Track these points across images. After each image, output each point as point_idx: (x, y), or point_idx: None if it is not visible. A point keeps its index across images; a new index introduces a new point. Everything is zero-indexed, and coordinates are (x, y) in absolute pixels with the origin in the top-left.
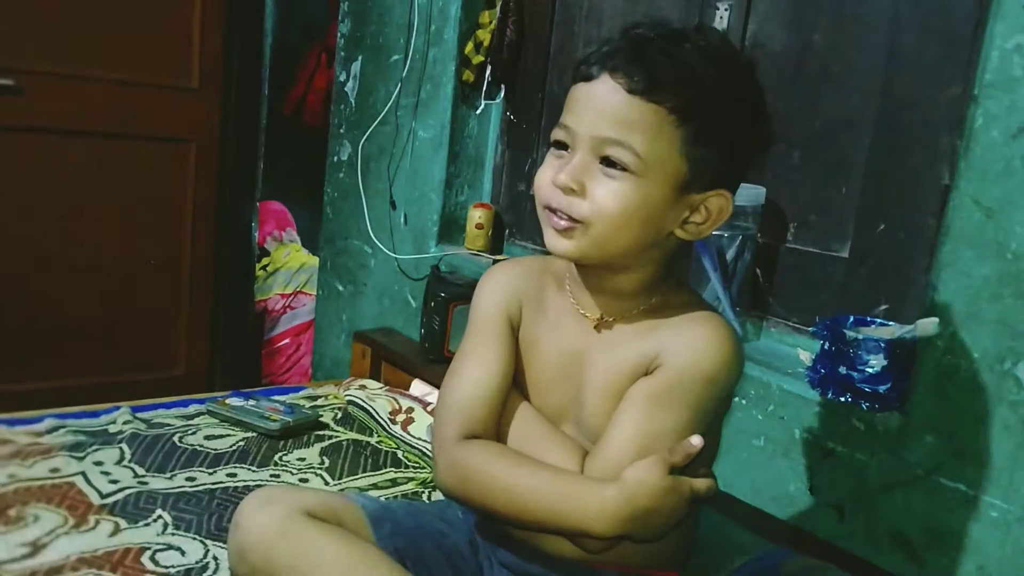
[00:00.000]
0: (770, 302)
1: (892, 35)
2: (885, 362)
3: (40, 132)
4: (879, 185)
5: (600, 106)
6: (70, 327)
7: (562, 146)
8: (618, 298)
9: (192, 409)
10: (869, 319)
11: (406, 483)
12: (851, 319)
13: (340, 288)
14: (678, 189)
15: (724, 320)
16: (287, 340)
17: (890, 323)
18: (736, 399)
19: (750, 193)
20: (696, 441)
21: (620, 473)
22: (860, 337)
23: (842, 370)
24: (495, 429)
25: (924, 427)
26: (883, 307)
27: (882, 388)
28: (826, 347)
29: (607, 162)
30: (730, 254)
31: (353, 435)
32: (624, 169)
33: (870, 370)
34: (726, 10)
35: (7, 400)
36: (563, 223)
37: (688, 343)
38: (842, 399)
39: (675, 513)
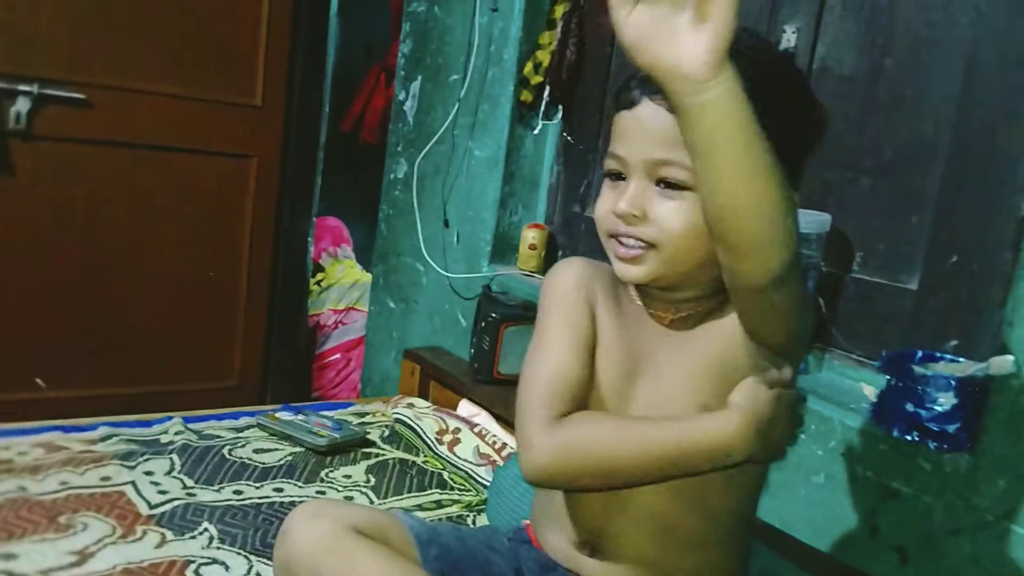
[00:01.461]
0: (833, 333)
1: (969, 60)
2: (955, 400)
3: (109, 145)
4: (952, 215)
5: (646, 130)
6: (130, 335)
7: (616, 175)
8: (684, 302)
9: (243, 421)
10: (938, 355)
11: (451, 505)
12: (919, 354)
13: (392, 305)
14: None
15: None
16: (337, 355)
17: (960, 359)
18: None
19: (815, 220)
20: (787, 372)
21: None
22: (929, 373)
23: (909, 407)
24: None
25: (995, 470)
26: (953, 343)
27: (951, 428)
28: (892, 382)
29: (664, 184)
30: None
31: (399, 454)
32: (682, 187)
33: (939, 408)
34: (794, 32)
35: (66, 405)
36: (632, 251)
37: None
38: (908, 438)
39: (788, 421)
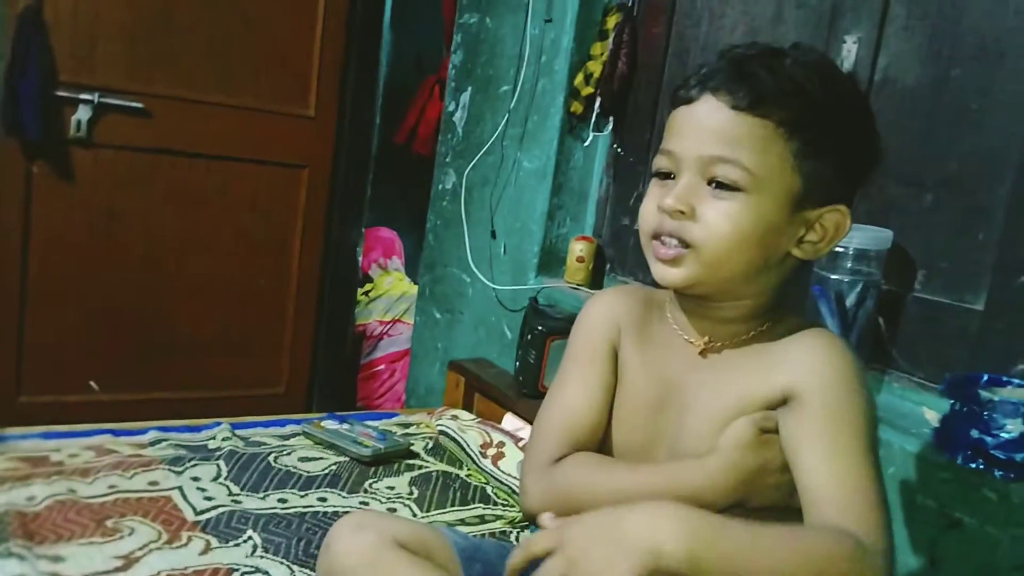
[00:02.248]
0: (893, 355)
1: None
2: (1023, 428)
3: (166, 153)
4: (1021, 232)
5: (704, 126)
6: (181, 341)
7: (665, 175)
8: (724, 323)
9: (288, 429)
10: (1005, 379)
11: (494, 521)
12: (985, 378)
13: (437, 316)
14: (792, 205)
15: (835, 336)
16: (382, 366)
17: None
18: None
19: (876, 236)
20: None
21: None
22: (996, 398)
23: (974, 434)
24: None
25: None
26: (1021, 367)
27: (1019, 456)
28: (956, 407)
29: (716, 184)
30: (850, 300)
31: (443, 466)
32: (735, 188)
33: (1006, 435)
34: (855, 42)
35: (116, 408)
36: (672, 251)
37: (814, 370)
38: (972, 465)
39: (778, 468)
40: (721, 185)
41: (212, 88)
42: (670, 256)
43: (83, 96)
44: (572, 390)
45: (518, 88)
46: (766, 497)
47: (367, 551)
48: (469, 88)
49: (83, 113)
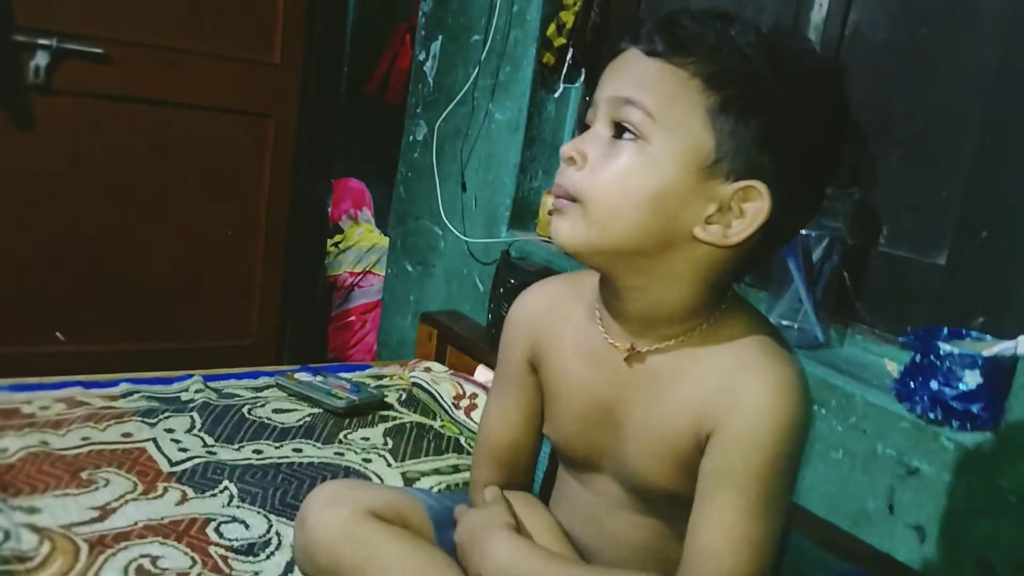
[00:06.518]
0: (857, 308)
1: (1008, 29)
2: (981, 380)
3: (126, 101)
4: (984, 190)
5: (620, 71)
6: (148, 292)
7: (587, 128)
8: (647, 325)
9: (262, 381)
10: (965, 332)
11: (468, 471)
12: (945, 331)
13: (409, 268)
14: (700, 169)
15: (785, 361)
16: (353, 317)
17: (987, 337)
18: (815, 407)
19: (842, 192)
20: None
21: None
22: (955, 351)
23: (933, 385)
24: (525, 466)
25: (1020, 451)
26: (980, 320)
27: (976, 407)
28: (917, 359)
29: (619, 131)
30: (816, 254)
31: (417, 418)
32: (635, 136)
33: (964, 387)
34: None
35: (84, 360)
36: (561, 203)
37: (746, 410)
38: (931, 416)
39: None
40: (622, 132)
41: (174, 33)
42: (557, 208)
43: (41, 41)
44: (491, 409)
45: (489, 38)
46: None
47: (342, 524)
48: (440, 37)
49: (41, 58)
